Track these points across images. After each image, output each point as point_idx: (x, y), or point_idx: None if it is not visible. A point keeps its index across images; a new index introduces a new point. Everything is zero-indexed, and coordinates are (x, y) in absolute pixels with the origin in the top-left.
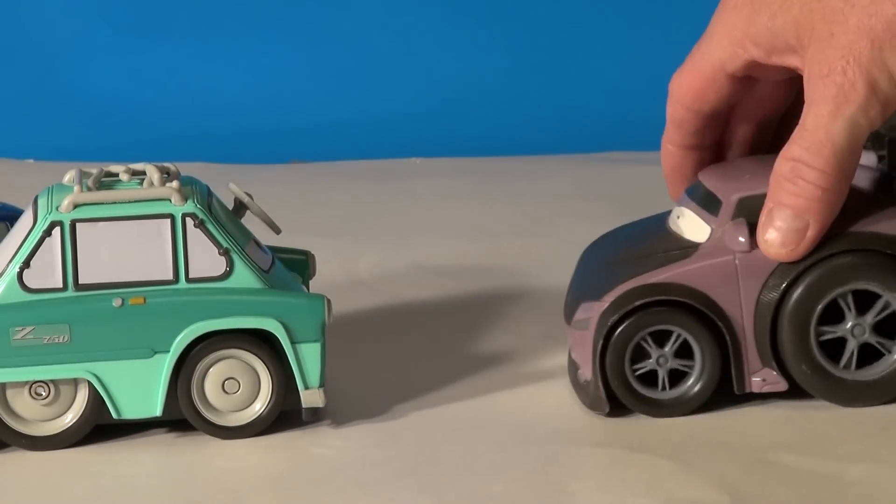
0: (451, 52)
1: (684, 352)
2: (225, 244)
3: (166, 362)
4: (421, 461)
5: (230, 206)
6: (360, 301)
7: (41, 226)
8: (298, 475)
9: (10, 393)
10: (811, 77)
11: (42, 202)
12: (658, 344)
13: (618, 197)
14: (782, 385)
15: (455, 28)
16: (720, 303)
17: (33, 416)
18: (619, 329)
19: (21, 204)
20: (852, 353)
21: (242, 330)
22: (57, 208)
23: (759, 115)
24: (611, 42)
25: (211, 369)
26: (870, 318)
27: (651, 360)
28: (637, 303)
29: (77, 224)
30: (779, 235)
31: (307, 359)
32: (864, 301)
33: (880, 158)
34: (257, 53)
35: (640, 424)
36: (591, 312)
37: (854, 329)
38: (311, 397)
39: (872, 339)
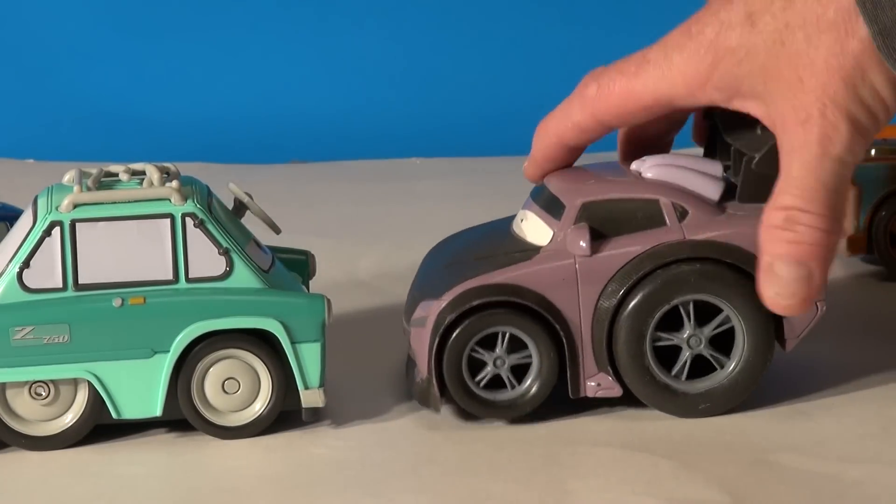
0: (451, 52)
1: (518, 349)
2: (225, 244)
3: (166, 362)
4: (421, 461)
5: (230, 206)
6: (360, 301)
7: (41, 226)
8: (298, 475)
9: (10, 393)
10: (789, 124)
11: (42, 202)
12: (488, 348)
13: None
14: (616, 391)
15: (455, 28)
16: (559, 306)
17: (33, 416)
18: (457, 329)
19: (21, 204)
20: (685, 362)
21: (242, 330)
22: (57, 208)
23: (650, 132)
24: (610, 42)
25: (211, 369)
26: (707, 330)
27: (489, 368)
28: (475, 302)
29: (77, 224)
30: (785, 287)
31: (307, 359)
32: (704, 312)
33: (726, 168)
34: (257, 54)
35: (640, 424)
36: (429, 311)
37: (690, 339)
38: (311, 397)
39: (706, 352)
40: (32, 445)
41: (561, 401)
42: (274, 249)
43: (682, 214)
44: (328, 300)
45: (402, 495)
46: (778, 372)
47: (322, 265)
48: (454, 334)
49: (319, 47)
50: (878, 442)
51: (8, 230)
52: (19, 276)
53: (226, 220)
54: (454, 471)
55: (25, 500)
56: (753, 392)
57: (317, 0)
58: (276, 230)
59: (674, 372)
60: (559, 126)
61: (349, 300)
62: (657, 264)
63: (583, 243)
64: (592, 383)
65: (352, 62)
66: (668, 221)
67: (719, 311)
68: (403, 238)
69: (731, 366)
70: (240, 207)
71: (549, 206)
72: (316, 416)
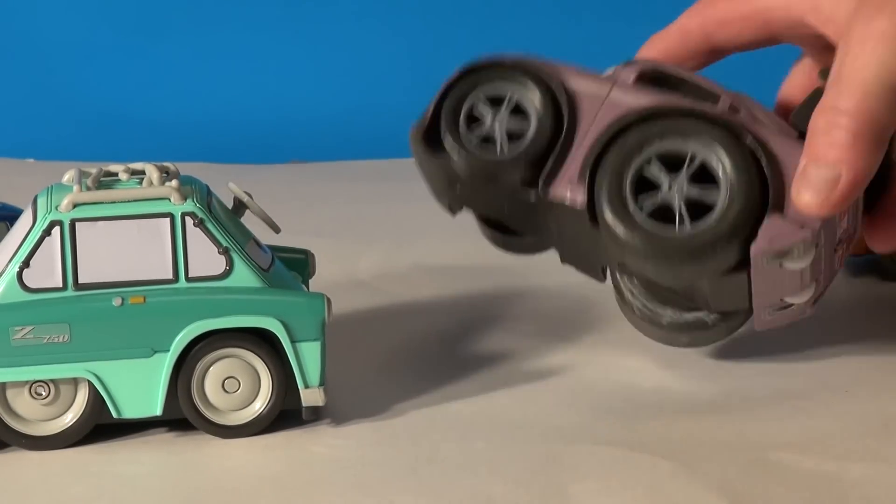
0: (451, 51)
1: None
2: (224, 243)
3: (166, 361)
4: (420, 460)
5: (230, 205)
6: (360, 301)
7: (41, 225)
8: (298, 474)
9: (10, 393)
10: (850, 30)
11: (41, 202)
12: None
13: None
14: (581, 201)
15: (455, 28)
16: (578, 108)
17: (33, 415)
18: (469, 74)
19: (21, 204)
20: (656, 201)
21: (242, 329)
22: (56, 208)
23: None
24: (610, 42)
25: (211, 368)
26: (691, 190)
27: (487, 124)
28: (509, 62)
29: (76, 223)
30: (810, 186)
31: (307, 358)
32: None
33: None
34: (257, 53)
35: (640, 423)
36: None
37: (672, 184)
38: (310, 396)
39: (677, 202)
40: (33, 445)
41: (561, 400)
42: (274, 248)
43: (733, 112)
44: (328, 299)
45: (401, 495)
46: (778, 370)
47: (322, 265)
48: (465, 76)
49: (320, 47)
50: (878, 440)
51: (8, 230)
52: (19, 275)
53: (225, 220)
54: (454, 471)
55: (25, 499)
56: (752, 388)
57: (317, 0)
58: (276, 229)
59: (640, 205)
60: (666, 32)
61: (349, 300)
62: (680, 110)
63: (629, 78)
64: (564, 182)
65: (352, 62)
66: (717, 108)
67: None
68: (403, 238)
69: (688, 229)
70: (239, 206)
71: (631, 62)
72: (316, 415)
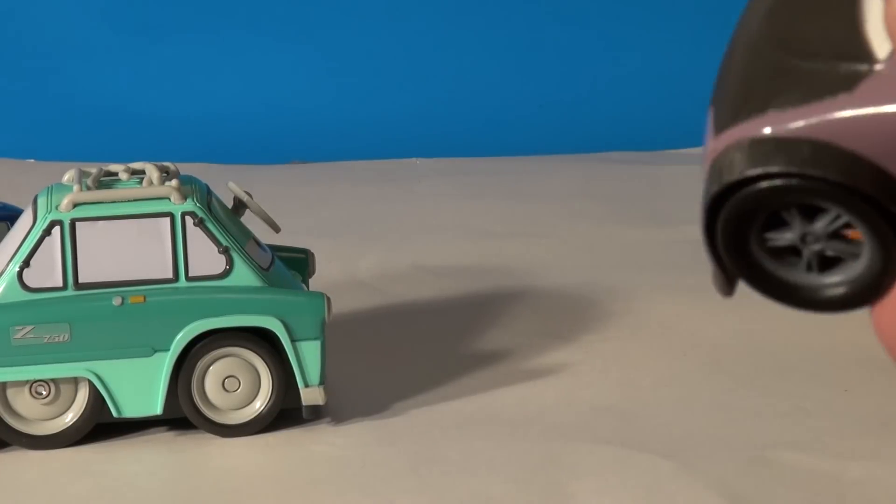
0: (451, 52)
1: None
2: (224, 242)
3: (166, 361)
4: (421, 459)
5: (230, 204)
6: (360, 301)
7: (41, 225)
8: (298, 473)
9: (10, 392)
10: None
11: (41, 201)
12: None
13: (618, 197)
14: None
15: (455, 28)
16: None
17: (34, 415)
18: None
19: (21, 204)
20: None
21: (242, 328)
22: (56, 207)
23: None
24: (611, 42)
25: (211, 367)
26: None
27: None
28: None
29: (77, 223)
30: None
31: (307, 357)
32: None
33: None
34: (258, 54)
35: (640, 423)
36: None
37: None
38: (311, 395)
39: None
40: (33, 444)
41: (561, 399)
42: (274, 248)
43: None
44: (328, 298)
45: (401, 495)
46: (777, 368)
47: (322, 265)
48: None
49: (319, 47)
50: (877, 439)
51: (8, 230)
52: (19, 275)
53: (225, 219)
54: (454, 470)
55: (26, 499)
56: (752, 387)
57: (317, 0)
58: (276, 229)
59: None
60: None
61: (349, 300)
62: None
63: None
64: None
65: (352, 62)
66: None
67: None
68: (403, 238)
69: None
70: (239, 206)
71: None
72: (316, 414)
